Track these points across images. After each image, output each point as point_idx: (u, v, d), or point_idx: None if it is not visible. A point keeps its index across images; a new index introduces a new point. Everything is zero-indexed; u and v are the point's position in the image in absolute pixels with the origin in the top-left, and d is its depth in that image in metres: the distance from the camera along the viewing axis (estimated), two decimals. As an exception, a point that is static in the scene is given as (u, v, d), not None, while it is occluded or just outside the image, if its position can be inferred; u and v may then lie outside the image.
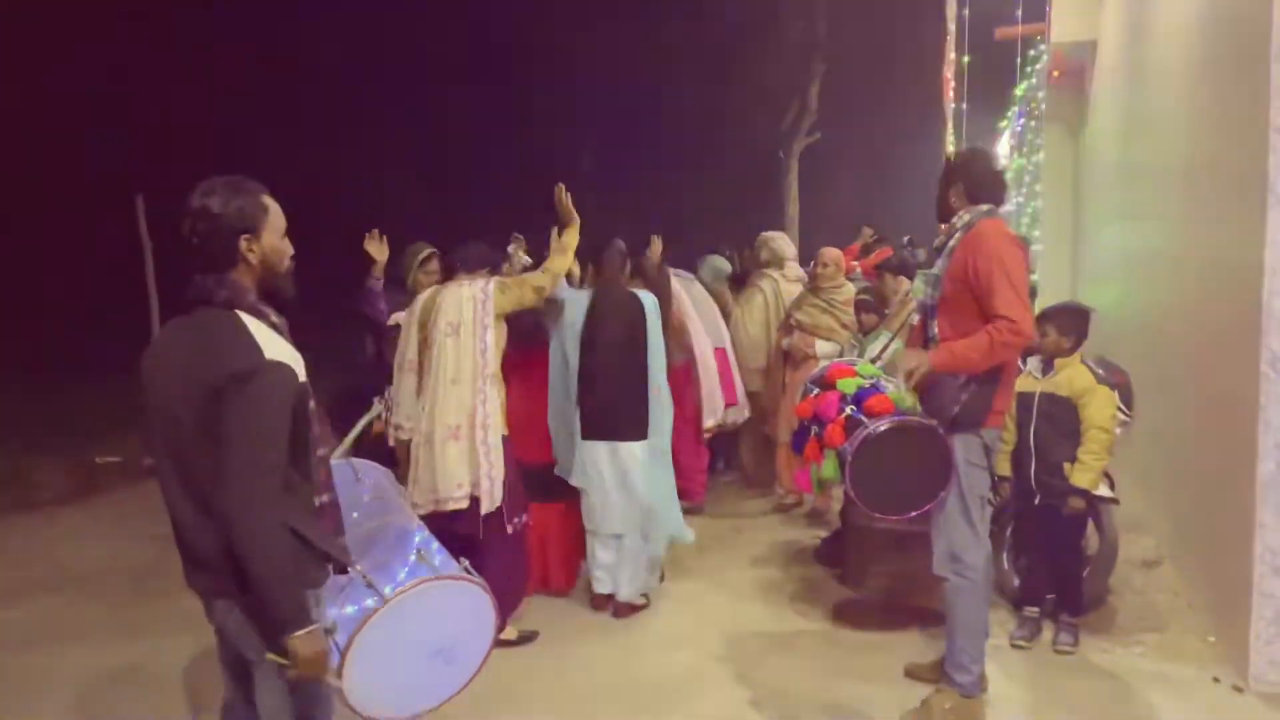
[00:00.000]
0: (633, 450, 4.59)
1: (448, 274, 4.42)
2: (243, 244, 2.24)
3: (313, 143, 18.19)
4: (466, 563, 2.52)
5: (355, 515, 2.68)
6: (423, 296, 4.31)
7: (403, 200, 17.57)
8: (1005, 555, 4.71)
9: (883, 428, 3.40)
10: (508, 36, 19.16)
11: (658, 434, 4.67)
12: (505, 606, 4.04)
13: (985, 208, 3.51)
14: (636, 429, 4.60)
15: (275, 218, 2.32)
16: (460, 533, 3.93)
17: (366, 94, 19.18)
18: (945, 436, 3.44)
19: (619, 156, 21.28)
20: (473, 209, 17.48)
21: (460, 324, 4.11)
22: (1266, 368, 3.69)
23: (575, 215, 4.37)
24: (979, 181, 3.55)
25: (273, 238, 2.30)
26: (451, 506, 4.03)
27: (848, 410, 3.58)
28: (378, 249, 5.32)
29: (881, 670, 4.03)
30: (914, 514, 3.55)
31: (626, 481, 4.59)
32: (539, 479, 4.64)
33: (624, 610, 4.67)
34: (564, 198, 4.35)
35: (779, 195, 18.99)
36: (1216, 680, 3.86)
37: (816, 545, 5.56)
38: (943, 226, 3.64)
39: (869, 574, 4.94)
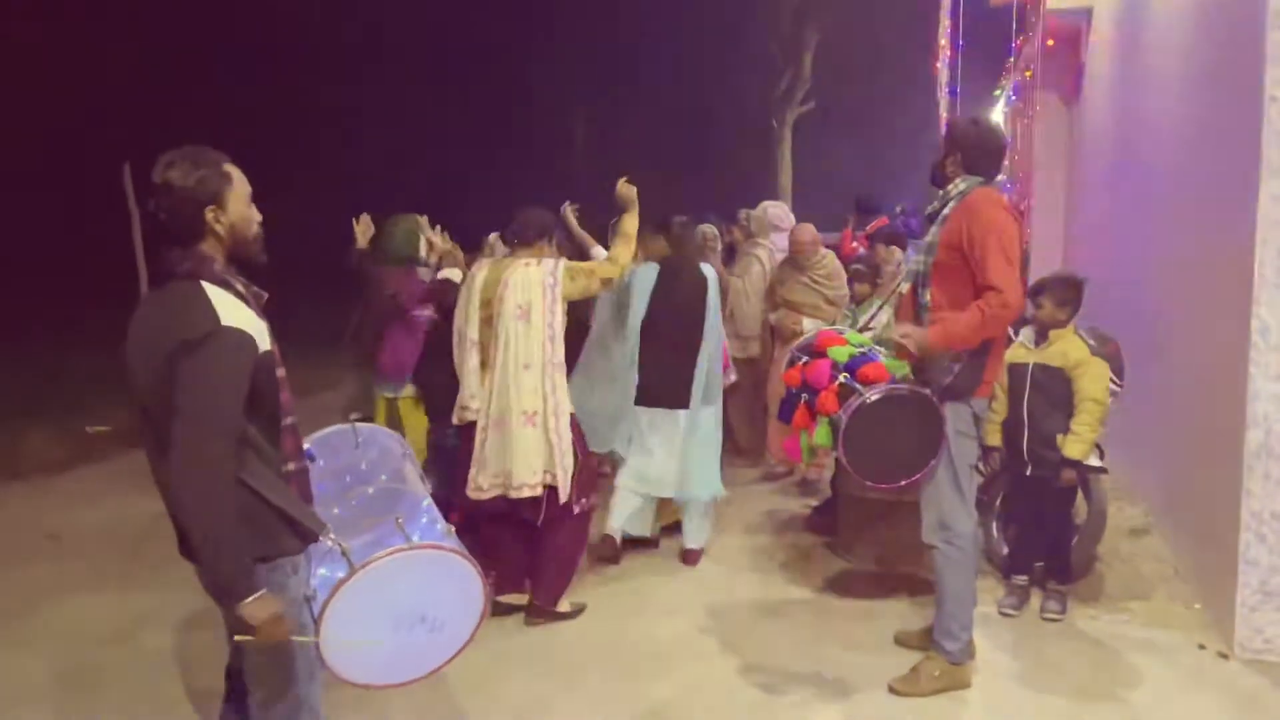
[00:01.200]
0: (678, 418, 4.86)
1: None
2: (208, 215, 2.23)
3: (302, 110, 18.02)
4: (453, 530, 2.52)
5: (348, 479, 2.68)
6: (481, 272, 4.22)
7: (387, 169, 17.49)
8: (994, 524, 4.74)
9: (876, 396, 3.40)
10: (497, 5, 18.94)
11: (709, 402, 4.97)
12: (563, 581, 4.28)
13: (979, 178, 3.52)
14: (683, 398, 4.85)
15: (239, 185, 2.29)
16: (524, 515, 4.12)
17: (354, 62, 19.00)
18: (938, 405, 3.45)
19: (612, 127, 21.15)
20: (461, 182, 17.40)
21: (530, 307, 4.06)
22: (1256, 337, 3.70)
23: (635, 202, 4.36)
24: (978, 152, 3.55)
25: (239, 206, 2.28)
26: (526, 494, 4.06)
27: (841, 378, 3.58)
28: (363, 232, 5.25)
29: (871, 638, 4.07)
30: (905, 482, 3.56)
31: (677, 447, 4.86)
32: None
33: (693, 557, 5.00)
34: (626, 187, 4.37)
35: (772, 164, 18.90)
36: (1202, 647, 3.90)
37: (807, 514, 5.60)
38: (938, 194, 3.63)
39: (859, 542, 4.97)
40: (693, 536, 5.00)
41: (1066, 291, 4.20)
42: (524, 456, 4.03)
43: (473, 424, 4.16)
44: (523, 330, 4.04)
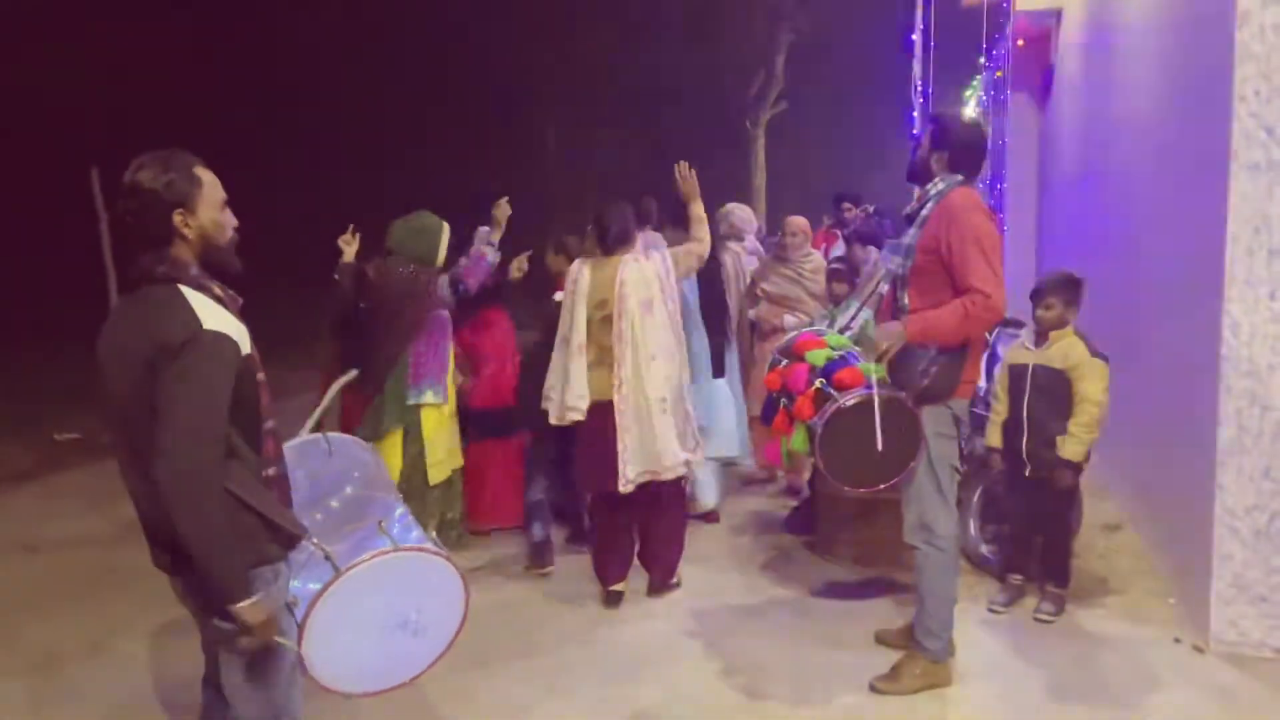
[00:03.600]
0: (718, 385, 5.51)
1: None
2: (176, 219, 2.19)
3: (275, 114, 17.86)
4: (434, 535, 2.50)
5: (321, 487, 2.65)
6: (584, 274, 4.35)
7: (357, 176, 17.38)
8: (972, 522, 4.77)
9: (851, 401, 3.39)
10: (467, 6, 18.85)
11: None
12: (679, 553, 4.68)
13: (959, 177, 3.50)
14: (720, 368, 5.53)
15: (210, 190, 2.26)
16: (639, 498, 4.34)
17: (326, 66, 18.84)
18: (914, 409, 3.45)
19: (583, 129, 21.10)
20: (430, 187, 17.32)
21: (653, 301, 4.27)
22: (1228, 334, 3.74)
23: (697, 189, 4.63)
24: (964, 150, 3.54)
25: (210, 210, 2.25)
26: (673, 475, 4.35)
27: (817, 383, 3.57)
28: (349, 245, 5.10)
29: (851, 637, 4.08)
30: (883, 486, 3.56)
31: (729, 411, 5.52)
32: (488, 420, 5.25)
33: (714, 517, 5.58)
34: (688, 174, 4.62)
35: (746, 165, 18.94)
36: (1178, 640, 3.94)
37: (787, 515, 5.60)
38: (916, 193, 3.63)
39: (839, 542, 4.98)
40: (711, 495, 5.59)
41: (1070, 292, 4.21)
42: (668, 441, 4.25)
43: (574, 424, 4.34)
44: (649, 323, 4.24)
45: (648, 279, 4.28)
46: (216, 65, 17.27)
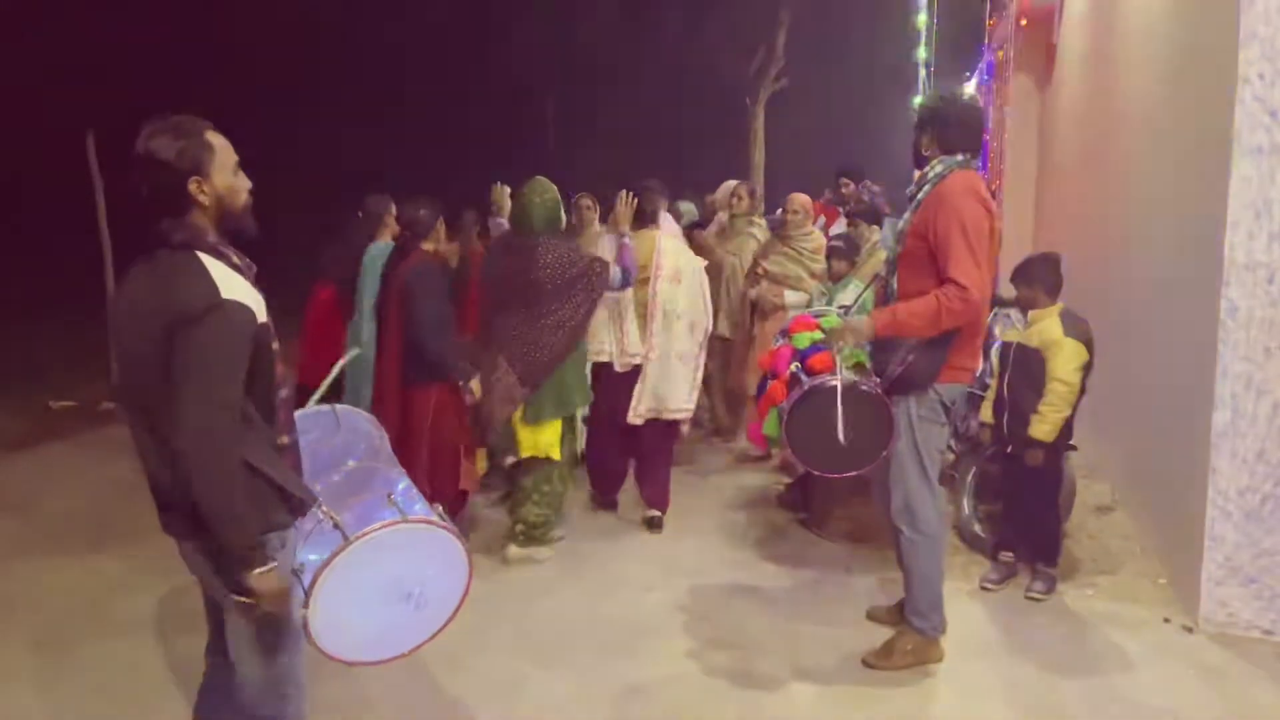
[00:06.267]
0: None
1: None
2: (192, 187, 2.18)
3: (270, 80, 17.72)
4: (440, 509, 2.50)
5: (326, 457, 2.65)
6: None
7: (356, 146, 17.27)
8: (966, 501, 4.80)
9: (811, 387, 3.37)
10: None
11: None
12: (666, 476, 5.21)
13: (960, 158, 3.44)
14: None
15: (223, 155, 2.24)
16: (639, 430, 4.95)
17: (326, 30, 18.67)
18: (882, 397, 3.39)
19: (583, 103, 20.98)
20: (433, 157, 17.21)
21: (680, 271, 4.98)
22: (1225, 317, 3.75)
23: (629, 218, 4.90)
24: (952, 129, 3.46)
25: (224, 176, 2.23)
26: (671, 416, 5.00)
27: (793, 366, 3.58)
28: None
29: (843, 613, 4.11)
30: (854, 473, 3.55)
31: None
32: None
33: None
34: (628, 203, 4.92)
35: (745, 142, 18.86)
36: (1167, 620, 3.99)
37: (780, 491, 5.63)
38: (915, 176, 3.61)
39: (832, 519, 5.01)
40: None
41: (1044, 272, 4.23)
42: (677, 388, 4.96)
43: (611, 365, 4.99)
44: (674, 290, 4.94)
45: (678, 252, 5.06)
46: (210, 28, 17.09)
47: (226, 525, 2.09)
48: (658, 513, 5.18)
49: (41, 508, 5.64)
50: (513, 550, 4.65)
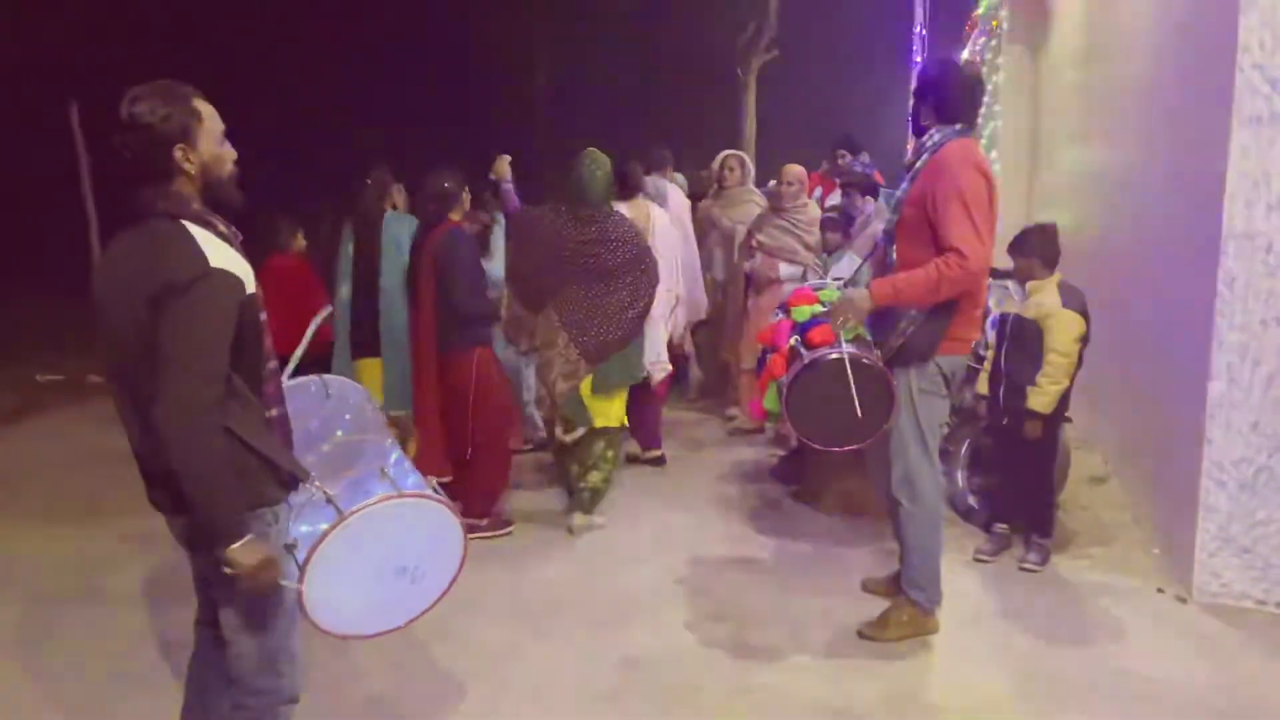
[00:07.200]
0: None
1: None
2: (178, 154, 2.12)
3: (257, 47, 17.46)
4: (434, 482, 2.47)
5: (315, 429, 2.61)
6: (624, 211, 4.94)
7: (338, 115, 17.08)
8: (959, 474, 4.80)
9: (810, 360, 3.34)
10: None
11: None
12: (655, 420, 5.68)
13: (957, 127, 3.40)
14: None
15: (210, 122, 2.18)
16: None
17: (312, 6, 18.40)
18: (883, 370, 3.36)
19: (574, 74, 20.78)
20: (422, 129, 17.02)
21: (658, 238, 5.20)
22: (1223, 288, 3.73)
23: None
24: (948, 96, 3.42)
25: (210, 144, 2.17)
26: (651, 370, 5.14)
27: (792, 340, 3.54)
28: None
29: (839, 585, 4.11)
30: (855, 447, 3.52)
31: None
32: None
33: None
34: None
35: (737, 113, 18.70)
36: (1161, 591, 3.99)
37: (773, 463, 5.62)
38: (911, 145, 3.57)
39: (827, 491, 5.01)
40: None
41: (1040, 243, 4.20)
42: (654, 344, 5.16)
43: None
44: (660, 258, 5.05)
45: (660, 220, 5.34)
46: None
47: (202, 496, 2.04)
48: (658, 451, 5.69)
49: (30, 482, 5.60)
50: (579, 518, 4.73)
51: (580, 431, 4.68)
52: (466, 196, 4.72)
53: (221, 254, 2.09)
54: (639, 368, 4.83)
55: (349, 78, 18.83)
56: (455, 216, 4.63)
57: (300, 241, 5.86)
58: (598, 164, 4.62)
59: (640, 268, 4.63)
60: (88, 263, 8.95)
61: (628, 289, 4.58)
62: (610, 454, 4.80)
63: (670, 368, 5.40)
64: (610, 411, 4.72)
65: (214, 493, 2.04)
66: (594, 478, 4.76)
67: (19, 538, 4.74)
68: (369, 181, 5.27)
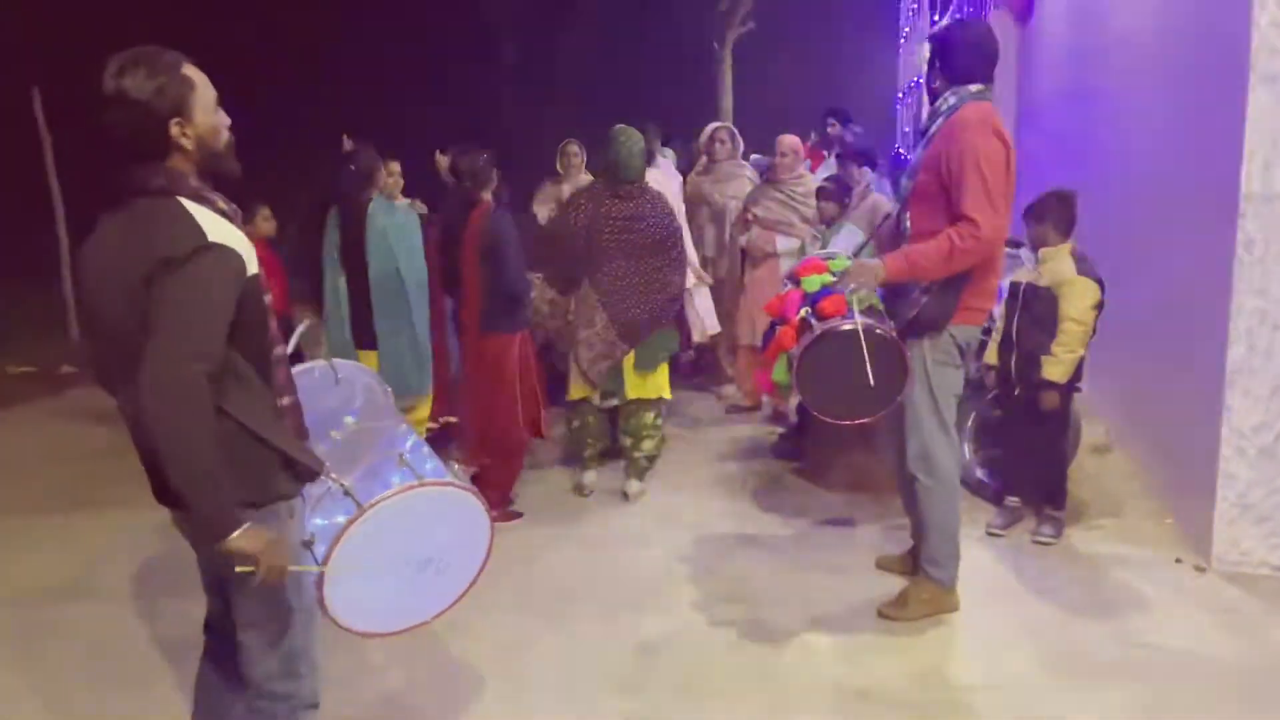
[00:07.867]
0: None
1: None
2: (174, 130, 1.94)
3: (225, 30, 17.06)
4: (457, 468, 2.34)
5: (326, 416, 2.47)
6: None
7: (303, 92, 16.77)
8: (966, 447, 4.72)
9: (822, 331, 3.23)
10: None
11: None
12: None
13: (975, 88, 3.29)
14: None
15: (204, 90, 2.00)
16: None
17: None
18: (897, 341, 3.25)
19: (542, 46, 20.49)
20: (386, 104, 16.70)
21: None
22: (1242, 251, 3.66)
23: None
24: (962, 56, 3.32)
25: (205, 115, 1.99)
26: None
27: (803, 311, 3.43)
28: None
29: (851, 563, 4.03)
30: (869, 420, 3.41)
31: None
32: None
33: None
34: None
35: (713, 87, 18.52)
36: (1179, 561, 3.94)
37: (774, 441, 5.53)
38: (926, 109, 3.46)
39: (831, 467, 4.92)
40: None
41: (1056, 210, 4.11)
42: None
43: None
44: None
45: (667, 189, 5.33)
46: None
47: (193, 487, 1.84)
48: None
49: (10, 476, 5.40)
50: (634, 485, 4.85)
51: (614, 401, 4.82)
52: (495, 174, 4.63)
53: (222, 230, 1.93)
54: (676, 340, 4.98)
55: (323, 54, 18.49)
56: (485, 195, 4.52)
57: (267, 224, 5.43)
58: (633, 140, 4.65)
59: (674, 243, 4.71)
60: (55, 252, 8.70)
61: (668, 266, 4.68)
62: (660, 422, 4.96)
63: (719, 326, 5.70)
64: (658, 384, 4.85)
65: (201, 480, 1.85)
66: (648, 445, 4.89)
67: (5, 530, 4.56)
68: (352, 167, 5.00)
